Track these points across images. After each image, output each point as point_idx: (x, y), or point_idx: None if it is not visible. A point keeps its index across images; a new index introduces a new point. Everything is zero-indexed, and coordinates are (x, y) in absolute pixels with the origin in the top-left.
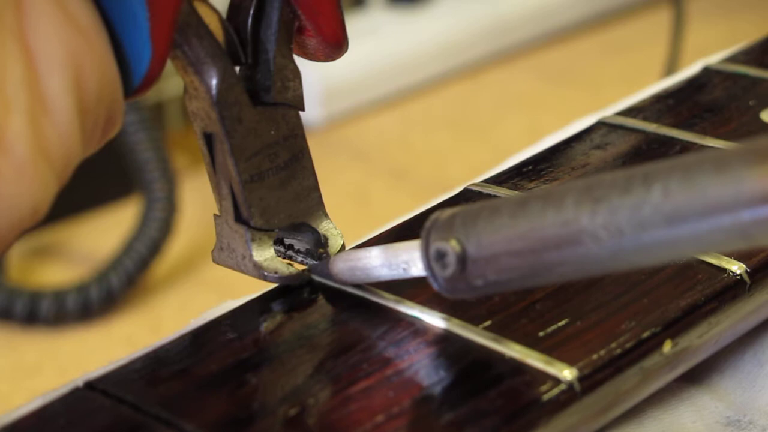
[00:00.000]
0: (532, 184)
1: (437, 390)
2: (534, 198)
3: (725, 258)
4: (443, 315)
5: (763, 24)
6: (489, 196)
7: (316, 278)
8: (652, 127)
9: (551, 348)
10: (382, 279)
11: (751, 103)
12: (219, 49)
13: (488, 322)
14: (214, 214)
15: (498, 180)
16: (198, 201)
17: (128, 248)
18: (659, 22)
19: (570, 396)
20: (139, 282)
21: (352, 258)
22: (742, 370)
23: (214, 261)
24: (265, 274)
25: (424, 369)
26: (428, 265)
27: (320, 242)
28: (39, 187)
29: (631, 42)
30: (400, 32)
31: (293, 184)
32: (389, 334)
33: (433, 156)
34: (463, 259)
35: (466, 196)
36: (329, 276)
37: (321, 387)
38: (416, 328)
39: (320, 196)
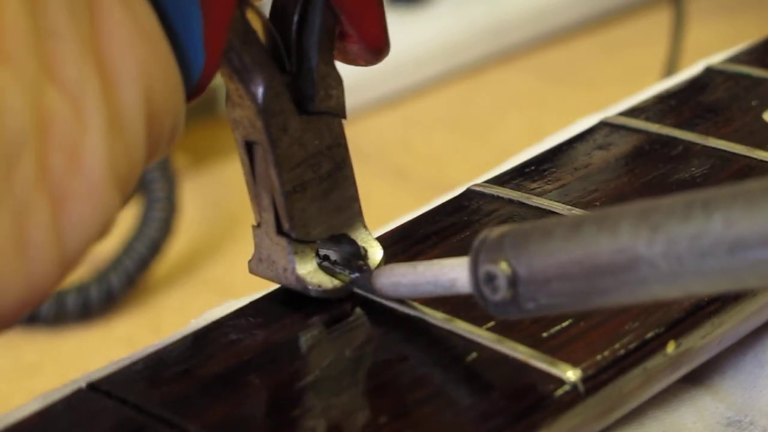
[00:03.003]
0: (534, 185)
1: (440, 390)
2: (588, 222)
3: None
4: (446, 315)
5: (763, 24)
6: (492, 196)
7: (358, 291)
8: (654, 128)
9: (555, 349)
10: (427, 296)
11: (753, 103)
12: (266, 56)
13: (492, 323)
14: (253, 225)
15: (500, 180)
16: (198, 201)
17: (128, 248)
18: (659, 22)
19: (574, 397)
20: (139, 282)
21: (396, 273)
22: (743, 370)
23: (251, 271)
24: (309, 287)
25: (426, 369)
26: (477, 287)
27: (359, 254)
28: (109, 207)
29: (631, 42)
30: (399, 32)
31: (334, 194)
32: (390, 334)
33: (433, 156)
34: (514, 283)
35: (469, 196)
36: (372, 290)
37: (324, 387)
38: (417, 328)
39: (360, 207)
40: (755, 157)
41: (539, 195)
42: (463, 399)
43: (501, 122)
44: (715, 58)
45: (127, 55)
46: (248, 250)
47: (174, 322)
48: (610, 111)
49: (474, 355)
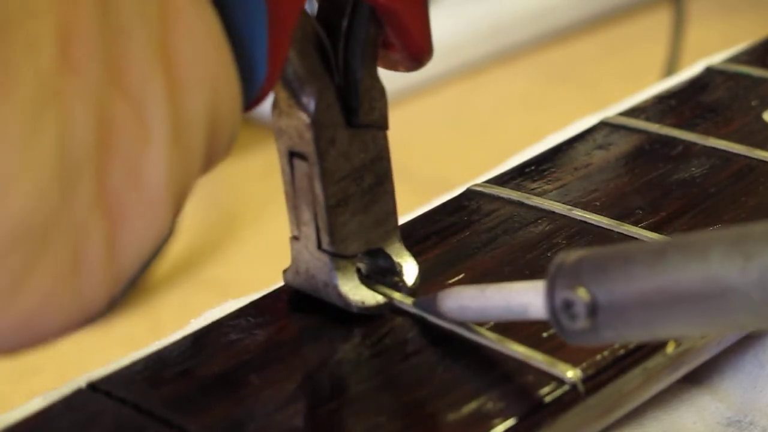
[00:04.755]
0: (534, 185)
1: (440, 391)
2: (673, 248)
3: None
4: None
5: (763, 24)
6: (492, 196)
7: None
8: (654, 128)
9: (555, 349)
10: (496, 320)
11: (753, 103)
12: (319, 66)
13: (492, 323)
14: (291, 237)
15: (500, 180)
16: (198, 201)
17: None
18: (659, 21)
19: (574, 397)
20: (139, 282)
21: (464, 297)
22: (743, 370)
23: (288, 282)
24: (351, 304)
25: (427, 369)
26: (553, 315)
27: (395, 270)
28: (164, 223)
29: (631, 42)
30: None
31: (375, 208)
32: (389, 335)
33: (433, 156)
34: (593, 310)
35: (469, 196)
36: (436, 313)
37: (324, 387)
38: (418, 328)
39: (397, 221)
40: (755, 157)
41: (539, 195)
42: (463, 399)
43: (501, 122)
44: (715, 58)
45: (196, 59)
46: (248, 250)
47: (174, 322)
48: (610, 111)
49: (474, 354)
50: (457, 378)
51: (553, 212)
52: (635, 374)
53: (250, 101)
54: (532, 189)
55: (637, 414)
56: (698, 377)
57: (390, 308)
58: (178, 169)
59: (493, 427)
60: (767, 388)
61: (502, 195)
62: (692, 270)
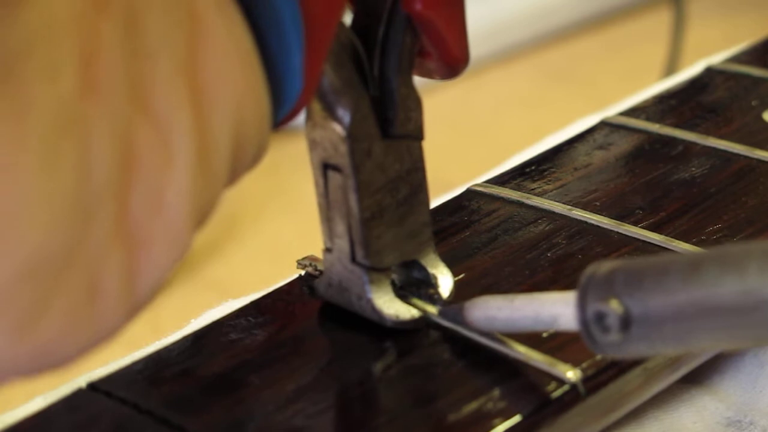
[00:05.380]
0: (534, 185)
1: (441, 391)
2: (708, 261)
3: None
4: None
5: (763, 24)
6: (492, 196)
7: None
8: (654, 127)
9: (555, 349)
10: (524, 331)
11: (753, 103)
12: (355, 77)
13: None
14: (324, 249)
15: (501, 180)
16: None
17: None
18: (659, 21)
19: (574, 397)
20: None
21: (492, 307)
22: (743, 370)
23: (319, 294)
24: (386, 318)
25: (427, 370)
26: (585, 326)
27: (430, 282)
28: (185, 248)
29: (631, 41)
30: None
31: (410, 220)
32: (388, 337)
33: (433, 156)
34: (626, 322)
35: (469, 196)
36: (463, 323)
37: (324, 387)
38: (419, 329)
39: (431, 233)
40: (755, 157)
41: (539, 195)
42: (464, 399)
43: (500, 122)
44: (716, 58)
45: (224, 79)
46: (248, 250)
47: (174, 322)
48: (611, 111)
49: (474, 355)
50: (458, 378)
51: (553, 212)
52: (635, 374)
53: (286, 115)
54: (532, 189)
55: (637, 414)
56: (698, 377)
57: (425, 323)
58: (201, 191)
59: (493, 427)
60: (767, 388)
61: (502, 195)
62: (728, 283)
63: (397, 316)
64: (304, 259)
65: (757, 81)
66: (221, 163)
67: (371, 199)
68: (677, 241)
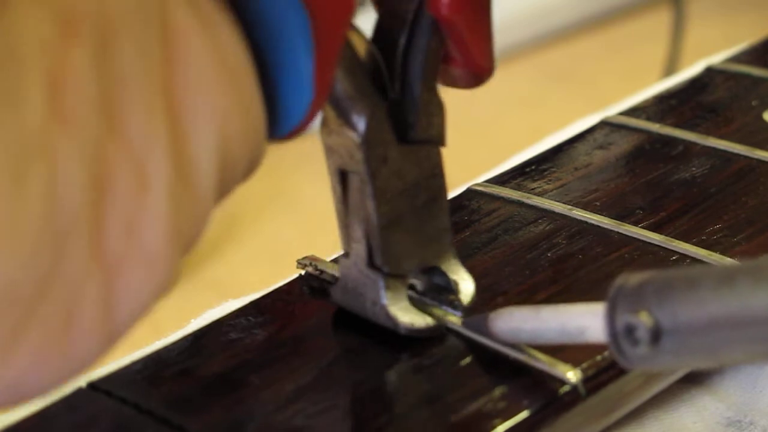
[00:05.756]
0: (535, 184)
1: (441, 391)
2: (741, 273)
3: (729, 258)
4: None
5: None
6: (492, 196)
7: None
8: (654, 127)
9: (555, 349)
10: (551, 343)
11: (753, 103)
12: (370, 84)
13: None
14: (341, 255)
15: (501, 180)
16: None
17: None
18: (659, 22)
19: (574, 397)
20: None
21: (517, 319)
22: (743, 370)
23: (334, 300)
24: (400, 325)
25: (428, 370)
26: (614, 339)
27: (451, 288)
28: (166, 273)
29: (631, 42)
30: None
31: (428, 226)
32: (388, 337)
33: None
34: (656, 335)
35: (469, 196)
36: (487, 333)
37: (324, 387)
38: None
39: (451, 238)
40: (755, 157)
41: (539, 195)
42: (464, 399)
43: (500, 122)
44: (716, 58)
45: (203, 96)
46: (248, 250)
47: (173, 322)
48: (611, 110)
49: (475, 355)
50: (458, 378)
51: (554, 212)
52: (635, 374)
53: (297, 126)
54: (533, 189)
55: (637, 413)
56: (698, 377)
57: (441, 331)
58: (184, 214)
59: (494, 427)
60: (767, 388)
61: (502, 195)
62: (763, 294)
63: (412, 324)
64: (303, 258)
65: (757, 81)
66: (205, 182)
67: (388, 205)
68: (677, 241)
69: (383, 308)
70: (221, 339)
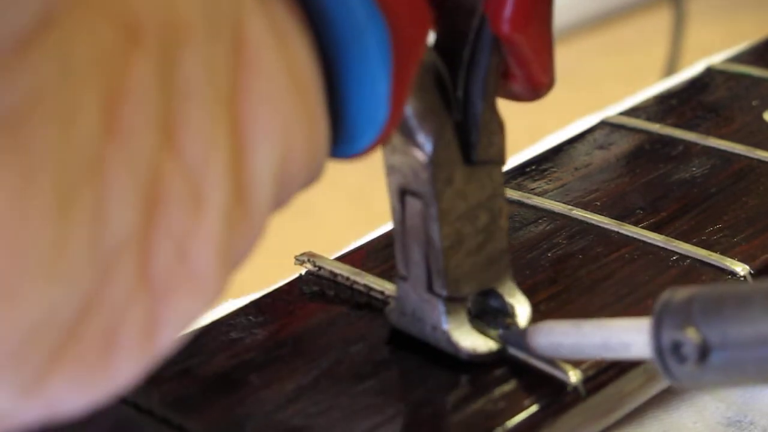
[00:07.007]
0: (535, 184)
1: (441, 392)
2: None
3: (729, 259)
4: None
5: (763, 24)
6: None
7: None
8: (655, 127)
9: None
10: (591, 357)
11: (754, 103)
12: (438, 102)
13: None
14: (398, 277)
15: None
16: None
17: None
18: (659, 22)
19: (575, 397)
20: None
21: (557, 333)
22: None
23: (392, 323)
24: (462, 351)
25: (428, 370)
26: (660, 356)
27: (507, 311)
28: (213, 296)
29: (632, 42)
30: None
31: (488, 247)
32: (388, 336)
33: None
34: (704, 352)
35: None
36: (526, 348)
37: (324, 387)
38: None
39: (509, 260)
40: (756, 157)
41: (539, 195)
42: (464, 400)
43: None
44: (716, 58)
45: (269, 112)
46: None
47: None
48: (611, 111)
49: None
50: (459, 378)
51: (554, 212)
52: (636, 375)
53: (370, 144)
54: (533, 189)
55: (637, 413)
56: None
57: (502, 356)
58: (235, 236)
59: (493, 427)
60: (767, 388)
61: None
62: None
63: (474, 349)
64: (302, 254)
65: (757, 81)
66: (262, 203)
67: (450, 228)
68: (677, 241)
69: (444, 333)
70: (221, 338)
